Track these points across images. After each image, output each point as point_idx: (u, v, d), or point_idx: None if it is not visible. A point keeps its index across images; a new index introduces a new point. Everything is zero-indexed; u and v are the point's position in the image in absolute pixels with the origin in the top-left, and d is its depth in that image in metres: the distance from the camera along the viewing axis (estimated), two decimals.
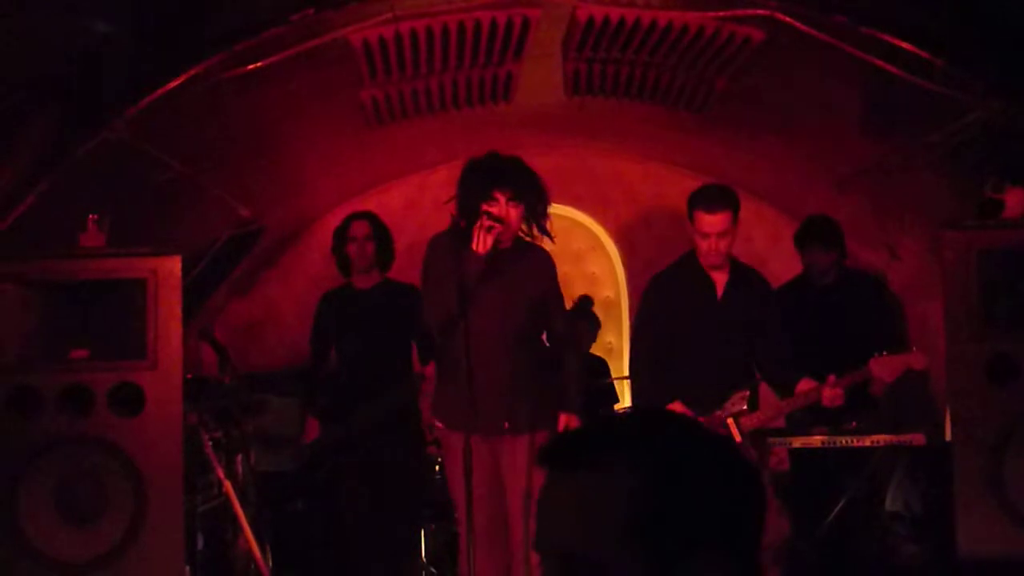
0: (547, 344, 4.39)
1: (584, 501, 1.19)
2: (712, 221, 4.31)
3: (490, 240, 4.04)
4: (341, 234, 5.45)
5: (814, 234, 5.64)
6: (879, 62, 4.39)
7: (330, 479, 5.32)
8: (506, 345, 4.17)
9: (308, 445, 5.39)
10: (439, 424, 4.32)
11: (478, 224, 4.05)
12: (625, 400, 6.20)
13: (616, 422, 1.30)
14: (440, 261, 4.19)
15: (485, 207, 4.09)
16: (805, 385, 4.36)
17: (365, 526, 5.27)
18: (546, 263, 4.36)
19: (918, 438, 5.04)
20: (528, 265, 4.28)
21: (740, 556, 1.19)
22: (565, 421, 4.21)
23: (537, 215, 4.24)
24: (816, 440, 5.06)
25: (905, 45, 4.29)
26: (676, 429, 1.24)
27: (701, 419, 4.19)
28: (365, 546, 5.29)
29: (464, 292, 4.05)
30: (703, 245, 4.36)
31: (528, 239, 4.30)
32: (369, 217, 5.49)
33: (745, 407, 4.26)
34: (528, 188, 4.19)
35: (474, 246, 4.05)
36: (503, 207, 4.12)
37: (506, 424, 4.17)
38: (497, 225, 4.06)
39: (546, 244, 4.37)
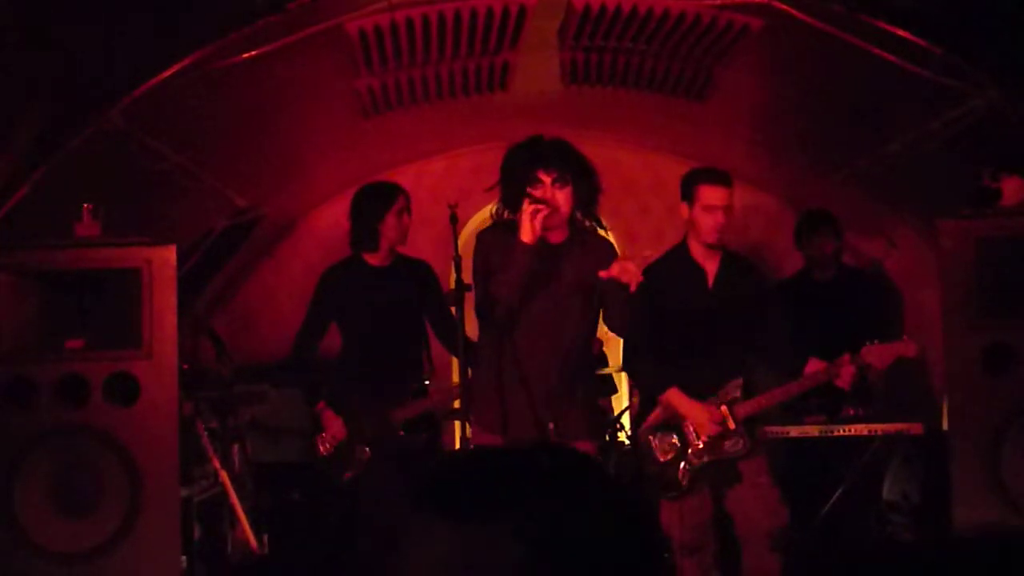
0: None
1: (468, 563, 1.09)
2: (718, 194, 4.22)
3: (538, 225, 3.73)
4: (374, 204, 4.80)
5: (821, 219, 5.74)
6: (877, 50, 4.38)
7: (360, 475, 4.78)
8: (561, 348, 3.91)
9: (340, 443, 4.78)
10: (475, 429, 3.90)
11: (522, 210, 3.75)
12: (623, 390, 6.20)
13: (501, 471, 1.19)
14: (492, 254, 3.88)
15: (530, 190, 3.79)
16: (813, 366, 4.25)
17: (392, 520, 4.98)
18: (609, 253, 3.99)
19: (915, 427, 5.06)
20: (588, 256, 3.92)
21: None
22: (620, 267, 3.76)
23: (584, 199, 3.91)
24: (813, 429, 5.07)
25: (903, 33, 4.28)
26: (564, 481, 1.16)
27: (697, 407, 4.20)
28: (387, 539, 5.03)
29: (517, 285, 3.77)
30: (707, 221, 4.23)
31: (586, 226, 3.99)
32: (403, 189, 4.96)
33: (739, 395, 4.24)
34: (575, 168, 3.87)
35: (522, 235, 3.73)
36: (548, 189, 3.82)
37: (552, 426, 3.87)
38: (543, 207, 3.74)
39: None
